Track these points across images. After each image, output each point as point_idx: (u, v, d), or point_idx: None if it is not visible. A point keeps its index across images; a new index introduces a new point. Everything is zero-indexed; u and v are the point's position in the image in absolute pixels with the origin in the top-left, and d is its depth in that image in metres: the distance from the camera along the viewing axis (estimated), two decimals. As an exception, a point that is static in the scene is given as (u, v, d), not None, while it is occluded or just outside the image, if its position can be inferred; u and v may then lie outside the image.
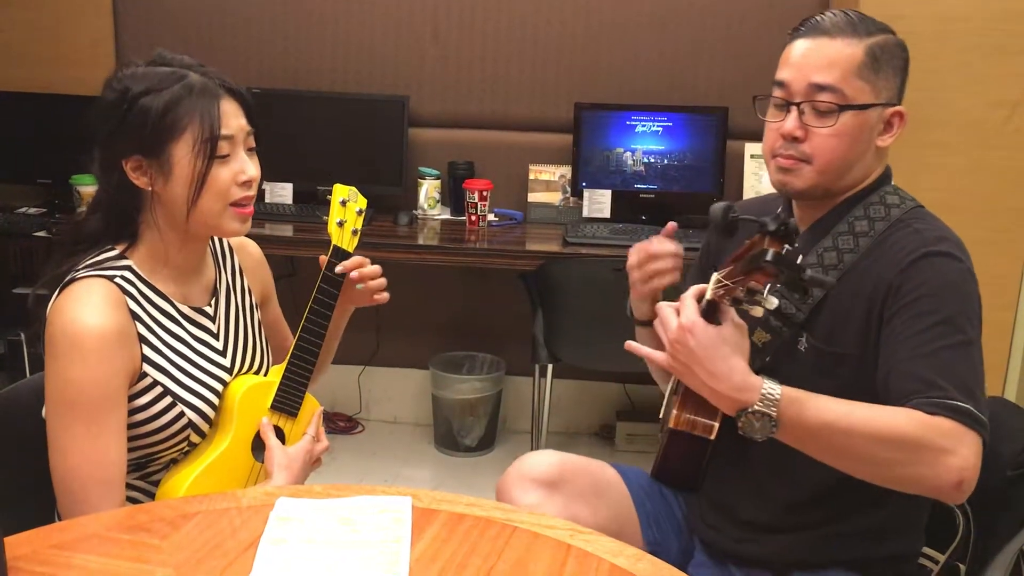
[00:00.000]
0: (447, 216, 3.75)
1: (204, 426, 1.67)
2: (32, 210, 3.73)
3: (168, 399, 1.62)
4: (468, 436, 3.82)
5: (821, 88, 1.57)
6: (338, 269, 1.79)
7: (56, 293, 1.57)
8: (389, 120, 3.74)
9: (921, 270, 1.53)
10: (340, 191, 1.83)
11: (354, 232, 1.82)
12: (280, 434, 1.76)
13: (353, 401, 4.10)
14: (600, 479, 1.84)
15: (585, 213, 3.67)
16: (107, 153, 1.61)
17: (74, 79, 3.76)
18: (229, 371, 1.73)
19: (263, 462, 1.72)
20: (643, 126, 3.66)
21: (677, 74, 3.74)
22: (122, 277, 1.60)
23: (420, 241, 3.45)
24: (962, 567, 1.69)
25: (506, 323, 3.91)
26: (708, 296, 1.47)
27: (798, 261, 1.34)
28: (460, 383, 3.80)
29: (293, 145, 3.74)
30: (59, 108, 3.68)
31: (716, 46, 3.70)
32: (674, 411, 1.59)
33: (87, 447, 1.51)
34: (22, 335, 3.61)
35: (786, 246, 1.36)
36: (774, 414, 1.44)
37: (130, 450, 1.60)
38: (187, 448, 1.68)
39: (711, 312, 1.47)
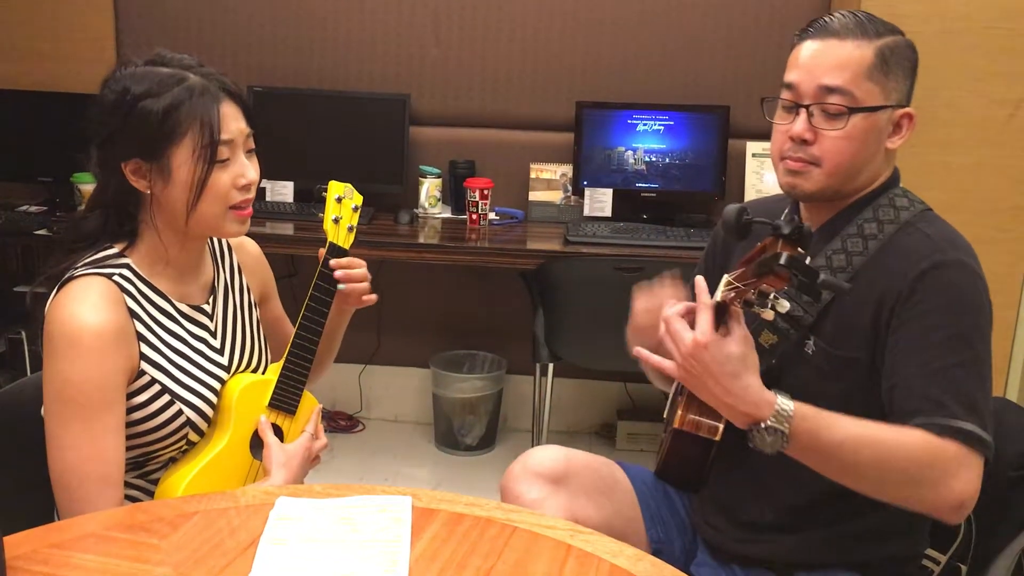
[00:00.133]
0: (448, 215, 3.74)
1: (202, 424, 1.67)
2: (33, 208, 3.73)
3: (166, 397, 1.62)
4: (469, 435, 3.82)
5: (831, 90, 1.56)
6: (331, 263, 1.78)
7: (55, 291, 1.57)
8: (390, 118, 3.73)
9: (932, 282, 1.52)
10: (335, 188, 1.82)
11: (350, 229, 1.81)
12: (279, 432, 1.76)
13: (354, 400, 4.10)
14: (605, 476, 1.84)
15: (586, 212, 3.67)
16: (106, 155, 1.61)
17: (75, 77, 3.75)
18: (227, 369, 1.73)
19: (262, 460, 1.72)
20: (644, 125, 3.66)
21: (678, 73, 3.73)
22: (120, 275, 1.59)
23: (421, 240, 3.44)
24: (963, 568, 1.68)
25: (507, 322, 3.91)
26: (718, 298, 1.46)
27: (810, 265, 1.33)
28: (461, 382, 3.80)
29: (294, 143, 3.74)
30: (60, 106, 3.67)
31: (718, 45, 3.70)
32: (679, 412, 1.58)
33: (85, 445, 1.51)
34: (23, 333, 3.61)
35: (799, 249, 1.35)
36: (786, 430, 1.44)
37: (128, 449, 1.59)
38: (185, 447, 1.67)
39: (720, 314, 1.46)
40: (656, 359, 1.53)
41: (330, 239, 1.79)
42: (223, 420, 1.69)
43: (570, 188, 3.73)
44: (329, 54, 3.83)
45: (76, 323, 1.51)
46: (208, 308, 1.73)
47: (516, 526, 1.41)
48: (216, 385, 1.69)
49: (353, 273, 1.81)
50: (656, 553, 1.77)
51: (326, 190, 1.82)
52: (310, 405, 1.82)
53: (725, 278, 1.47)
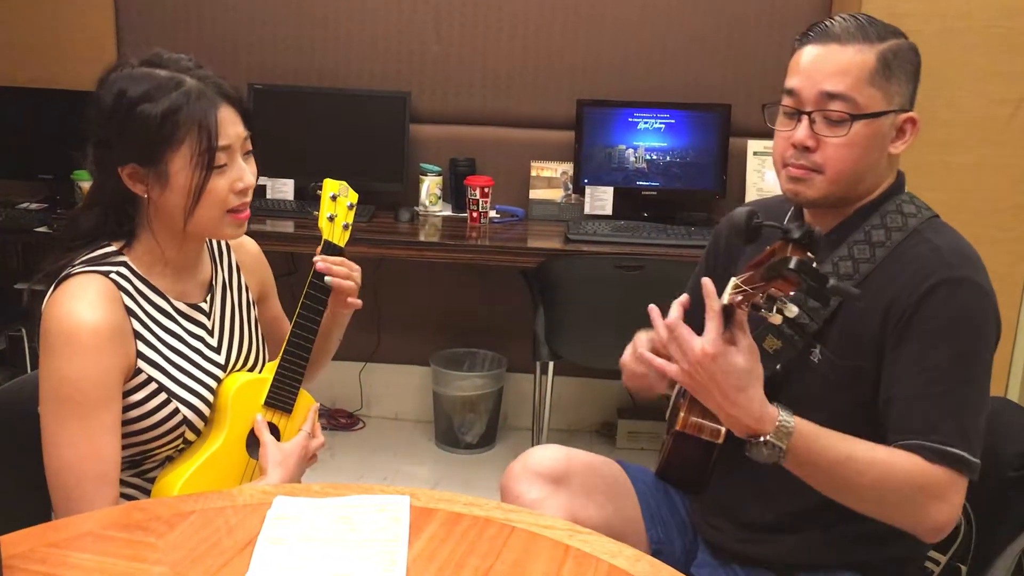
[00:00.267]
0: (448, 213, 3.74)
1: (199, 423, 1.67)
2: (33, 205, 3.73)
3: (163, 396, 1.61)
4: (469, 433, 3.82)
5: (832, 97, 1.54)
6: (316, 260, 1.77)
7: (51, 289, 1.57)
8: (390, 116, 3.73)
9: (938, 300, 1.51)
10: (330, 186, 1.81)
11: (345, 227, 1.81)
12: (275, 431, 1.75)
13: (354, 397, 4.09)
14: (606, 475, 1.83)
15: (587, 210, 3.66)
16: (103, 157, 1.60)
17: (75, 74, 3.75)
18: (223, 368, 1.73)
19: (258, 459, 1.72)
20: (645, 123, 3.65)
21: (680, 71, 3.72)
22: (117, 273, 1.59)
23: (421, 238, 3.44)
24: (963, 568, 1.68)
25: (507, 320, 3.90)
26: (725, 301, 1.45)
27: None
28: (461, 380, 3.79)
29: (294, 141, 3.73)
30: (60, 103, 3.66)
31: (719, 43, 3.69)
32: (681, 414, 1.57)
33: (81, 443, 1.51)
34: (23, 330, 3.61)
35: (809, 254, 1.35)
36: (784, 447, 1.46)
37: (125, 447, 1.59)
38: (182, 445, 1.67)
39: (726, 317, 1.46)
40: (659, 362, 1.53)
41: (325, 237, 1.79)
42: (219, 419, 1.68)
43: (571, 186, 3.72)
44: (330, 52, 3.82)
45: (73, 321, 1.51)
46: (206, 306, 1.73)
47: (515, 526, 1.41)
48: (213, 384, 1.69)
49: (335, 269, 1.78)
50: (656, 553, 1.76)
51: (321, 188, 1.82)
52: (307, 404, 1.81)
53: (732, 281, 1.45)
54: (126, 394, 1.58)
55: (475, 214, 3.57)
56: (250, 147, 1.65)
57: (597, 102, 3.67)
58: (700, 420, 1.55)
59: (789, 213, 1.74)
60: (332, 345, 1.94)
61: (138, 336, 1.59)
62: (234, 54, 3.81)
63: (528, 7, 3.72)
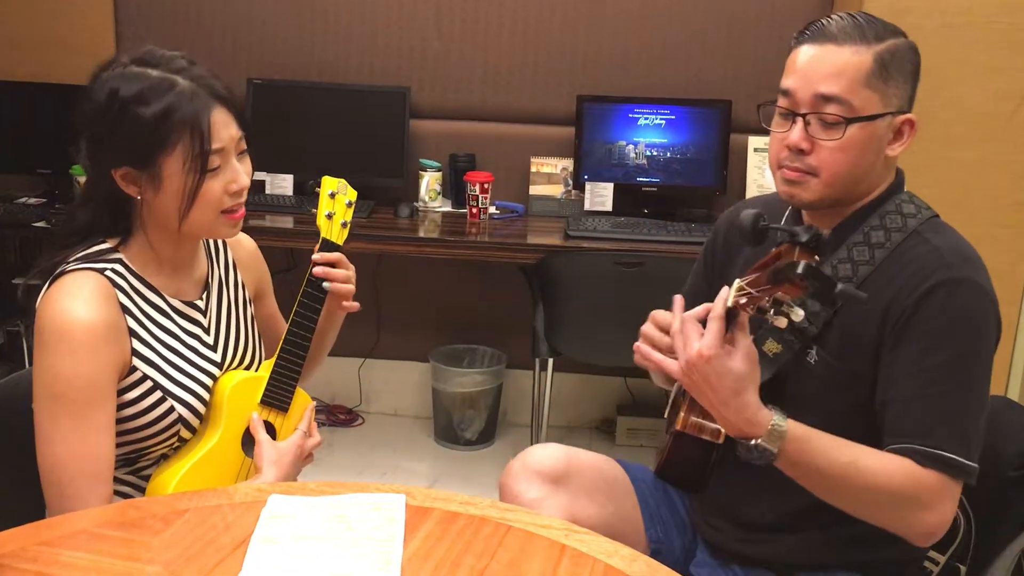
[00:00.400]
0: (448, 208, 3.73)
1: (194, 421, 1.66)
2: (32, 200, 3.72)
3: (158, 394, 1.60)
4: (468, 429, 3.81)
5: (827, 99, 1.52)
6: (314, 258, 1.76)
7: (46, 285, 1.56)
8: (390, 111, 3.71)
9: (937, 301, 1.49)
10: (329, 183, 1.80)
11: (343, 224, 1.80)
12: (271, 429, 1.75)
13: (353, 393, 4.09)
14: (606, 475, 1.82)
15: (587, 206, 3.65)
16: (96, 157, 1.58)
17: (74, 68, 3.70)
18: (219, 366, 1.72)
19: (253, 457, 1.71)
20: (646, 119, 3.64)
21: (680, 67, 3.71)
22: (113, 270, 1.58)
23: (421, 234, 3.43)
24: (962, 568, 1.67)
25: (507, 316, 3.89)
26: (729, 303, 1.44)
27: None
28: (460, 376, 3.79)
29: (293, 136, 3.72)
30: (59, 97, 3.64)
31: (720, 39, 3.68)
32: (681, 414, 1.57)
33: (75, 441, 1.50)
34: (22, 326, 3.61)
35: (816, 257, 1.33)
36: (775, 451, 1.46)
37: (120, 445, 1.58)
38: (177, 443, 1.66)
39: (729, 320, 1.45)
40: (658, 357, 1.52)
41: (324, 235, 1.78)
42: (215, 417, 1.68)
43: (571, 182, 3.71)
44: (329, 47, 3.81)
45: (67, 318, 1.50)
46: (201, 304, 1.72)
47: (511, 525, 1.40)
48: (208, 382, 1.68)
49: (333, 272, 1.78)
50: (655, 553, 1.76)
51: (319, 185, 1.81)
52: (303, 402, 1.80)
53: (737, 283, 1.44)
54: (121, 392, 1.57)
55: (475, 210, 3.56)
56: (244, 147, 1.63)
57: (597, 98, 3.66)
58: (700, 420, 1.55)
59: (787, 212, 1.72)
60: (327, 344, 1.93)
61: (133, 334, 1.58)
62: (233, 49, 3.80)
63: (528, 2, 3.70)
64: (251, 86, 3.69)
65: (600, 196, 3.65)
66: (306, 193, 3.68)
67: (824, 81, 1.52)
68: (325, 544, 1.33)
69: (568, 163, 3.70)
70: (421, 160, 3.71)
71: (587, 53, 3.73)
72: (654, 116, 3.63)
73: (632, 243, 3.29)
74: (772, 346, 1.60)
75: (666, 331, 1.56)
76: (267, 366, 1.76)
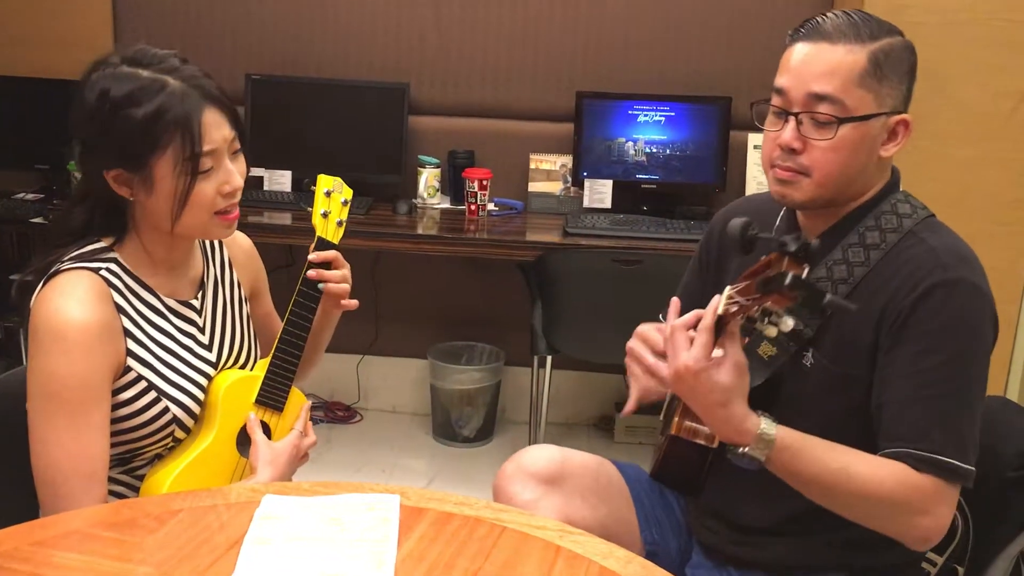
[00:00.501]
0: (447, 205, 3.72)
1: (189, 421, 1.65)
2: (29, 196, 3.71)
3: (152, 394, 1.60)
4: (466, 427, 3.80)
5: (820, 98, 1.50)
6: (310, 257, 1.75)
7: (40, 284, 1.55)
8: (389, 108, 3.70)
9: (933, 302, 1.48)
10: (324, 181, 1.79)
11: (339, 223, 1.79)
12: (266, 429, 1.74)
13: (351, 390, 4.08)
14: (600, 476, 1.81)
15: (586, 203, 3.64)
16: (88, 158, 1.57)
17: (72, 63, 3.67)
18: (214, 365, 1.71)
19: (248, 457, 1.70)
20: (645, 116, 3.63)
21: (680, 63, 3.70)
22: (107, 269, 1.57)
23: (419, 230, 3.42)
24: (960, 569, 1.66)
25: (506, 313, 3.88)
26: (719, 311, 1.43)
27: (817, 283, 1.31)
28: (459, 373, 3.78)
29: (292, 132, 3.71)
30: (57, 92, 3.64)
31: (720, 35, 3.66)
32: (675, 418, 1.56)
33: (69, 441, 1.49)
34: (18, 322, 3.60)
35: (805, 267, 1.33)
36: (763, 458, 1.46)
37: (114, 445, 1.58)
38: (172, 443, 1.65)
39: (719, 329, 1.44)
40: (651, 360, 1.51)
41: (319, 234, 1.77)
42: (209, 417, 1.67)
43: (570, 179, 3.70)
44: (328, 42, 3.80)
45: (62, 318, 1.49)
46: (197, 304, 1.71)
47: (505, 526, 1.39)
48: (203, 382, 1.67)
49: (328, 274, 1.77)
50: (650, 555, 1.75)
51: (315, 184, 1.80)
52: (298, 402, 1.79)
53: (727, 290, 1.43)
54: (115, 392, 1.56)
55: (473, 207, 3.55)
56: (238, 147, 1.61)
57: (597, 94, 3.65)
58: (694, 424, 1.54)
59: (781, 213, 1.71)
60: (323, 342, 1.92)
61: (128, 334, 1.58)
62: (232, 44, 3.79)
63: (528, -2, 3.70)
64: (249, 81, 3.67)
65: (599, 193, 3.64)
66: (304, 189, 3.67)
67: (817, 80, 1.50)
68: (319, 545, 1.33)
69: (567, 160, 3.69)
70: (420, 156, 3.70)
71: (587, 49, 3.72)
72: (654, 113, 3.62)
73: (631, 240, 3.28)
74: (767, 348, 1.59)
75: (653, 347, 1.57)
76: (262, 365, 1.75)
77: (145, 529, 1.36)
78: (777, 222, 1.71)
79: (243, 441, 1.71)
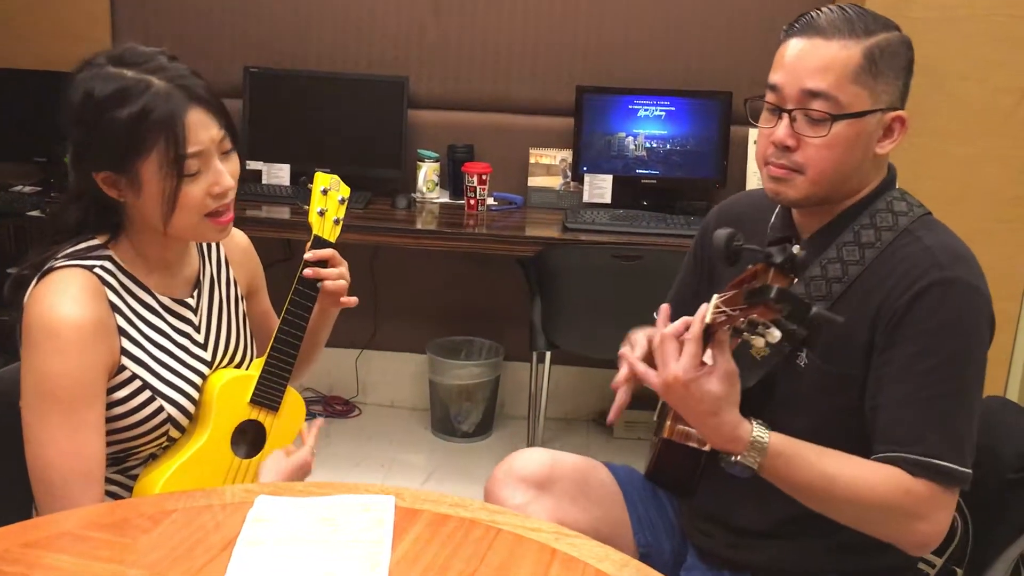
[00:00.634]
0: (446, 199, 3.70)
1: (183, 421, 1.64)
2: (27, 188, 3.69)
3: (147, 393, 1.58)
4: (465, 422, 3.79)
5: (814, 95, 1.48)
6: (306, 256, 1.74)
7: (34, 282, 1.54)
8: (388, 101, 3.69)
9: (928, 302, 1.46)
10: (321, 179, 1.77)
11: (336, 222, 1.77)
12: (261, 429, 1.73)
13: (350, 384, 4.07)
14: (592, 479, 1.80)
15: (586, 198, 3.63)
16: (78, 161, 1.56)
17: (71, 56, 3.63)
18: (210, 364, 1.70)
19: (242, 457, 1.69)
20: (645, 110, 3.61)
21: (681, 57, 3.68)
22: (102, 267, 1.56)
23: (418, 225, 3.41)
24: (959, 571, 1.65)
25: (505, 308, 3.87)
26: (707, 319, 1.41)
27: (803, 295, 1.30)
28: (458, 368, 3.77)
29: (290, 126, 3.70)
30: (56, 85, 3.60)
31: (720, 29, 3.64)
32: (667, 422, 1.55)
33: (65, 440, 1.48)
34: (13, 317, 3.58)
35: (792, 278, 1.31)
36: (756, 466, 1.45)
37: (108, 444, 1.56)
38: (166, 443, 1.64)
39: (708, 337, 1.43)
40: (641, 368, 1.50)
41: (315, 232, 1.75)
42: (204, 416, 1.66)
43: (569, 174, 3.68)
44: (327, 35, 3.78)
45: (56, 316, 1.48)
46: (192, 302, 1.69)
47: (501, 528, 1.38)
48: (198, 381, 1.66)
49: (325, 272, 1.75)
50: (644, 557, 1.74)
51: (312, 182, 1.78)
52: (294, 401, 1.78)
53: (715, 299, 1.42)
54: (109, 391, 1.55)
55: (472, 201, 3.53)
56: (229, 146, 1.58)
57: (597, 89, 3.63)
58: (687, 428, 1.53)
59: (776, 210, 1.69)
60: (320, 341, 1.91)
61: (122, 332, 1.56)
62: (230, 36, 3.77)
63: (528, -9, 3.68)
64: (247, 74, 3.66)
65: (599, 188, 3.62)
66: (302, 185, 3.66)
67: (810, 76, 1.48)
68: (312, 546, 1.32)
69: (567, 154, 3.68)
70: (419, 150, 3.68)
71: (587, 43, 3.70)
72: (654, 107, 3.61)
73: (630, 236, 3.27)
74: (760, 349, 1.58)
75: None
76: (258, 365, 1.74)
77: (138, 530, 1.35)
78: (772, 219, 1.69)
79: (237, 441, 1.70)
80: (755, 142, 3.54)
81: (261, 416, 1.73)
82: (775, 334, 1.33)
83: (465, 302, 3.97)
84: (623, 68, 3.69)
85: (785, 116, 1.51)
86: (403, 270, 3.90)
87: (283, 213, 3.42)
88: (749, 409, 1.48)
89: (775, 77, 1.54)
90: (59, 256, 1.55)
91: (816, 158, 1.50)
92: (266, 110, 3.68)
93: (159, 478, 1.59)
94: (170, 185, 1.51)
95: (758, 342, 1.35)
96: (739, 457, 1.44)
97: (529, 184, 3.71)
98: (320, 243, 1.75)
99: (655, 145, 3.62)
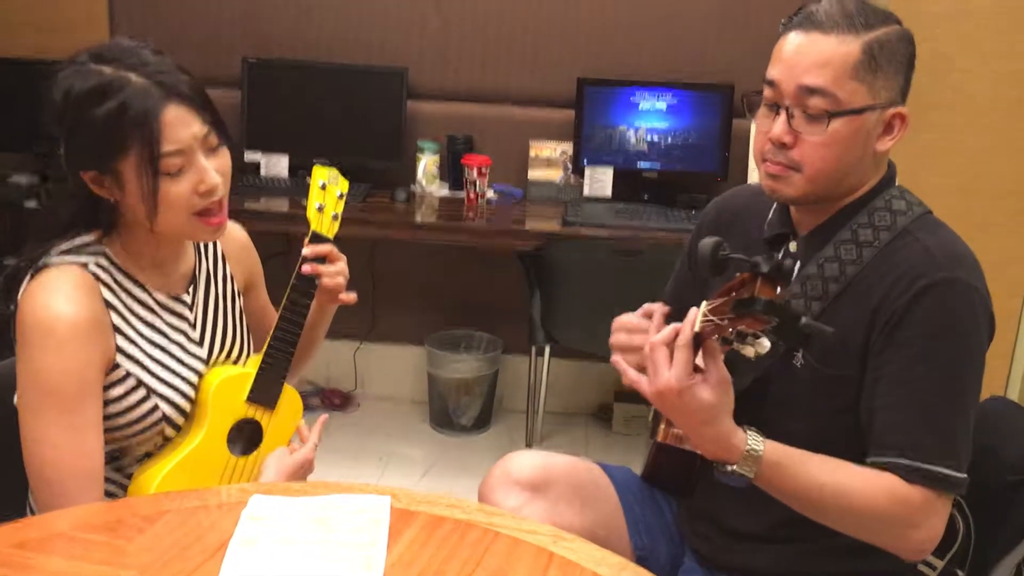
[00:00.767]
0: (445, 192, 3.68)
1: (179, 419, 1.62)
2: (24, 180, 3.67)
3: (142, 391, 1.57)
4: (464, 415, 3.78)
5: (811, 91, 1.45)
6: (304, 252, 1.72)
7: (28, 279, 1.52)
8: (388, 92, 3.67)
9: (926, 304, 1.44)
10: (320, 173, 1.75)
11: (334, 217, 1.75)
12: (257, 427, 1.71)
13: (348, 377, 4.06)
14: (587, 482, 1.77)
15: (586, 192, 3.61)
16: (66, 160, 1.53)
17: (69, 46, 3.62)
18: (206, 361, 1.68)
19: (238, 455, 1.68)
20: (647, 103, 3.59)
21: (682, 50, 3.65)
22: (96, 264, 1.54)
23: (418, 218, 3.39)
24: (960, 574, 1.63)
25: (504, 301, 3.86)
26: (697, 327, 1.39)
27: (792, 305, 1.28)
28: (456, 362, 3.75)
29: (289, 117, 3.68)
30: (53, 75, 3.60)
31: (722, 21, 3.62)
32: (662, 426, 1.54)
33: (63, 439, 1.46)
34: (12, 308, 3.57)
35: (779, 287, 1.29)
36: (751, 475, 1.43)
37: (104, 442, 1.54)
38: (161, 442, 1.63)
39: (698, 344, 1.40)
40: (633, 375, 1.48)
41: (313, 228, 1.73)
42: (200, 414, 1.64)
43: (570, 167, 3.66)
44: (326, 25, 3.75)
45: (50, 313, 1.46)
46: (188, 298, 1.67)
47: (498, 531, 1.37)
48: (194, 378, 1.65)
49: (323, 268, 1.73)
50: (640, 560, 1.72)
51: (310, 176, 1.76)
52: (291, 399, 1.76)
53: (704, 306, 1.40)
54: (104, 389, 1.53)
55: (472, 194, 3.51)
56: (215, 142, 1.54)
57: (598, 81, 3.61)
58: (680, 431, 1.51)
59: (773, 207, 1.67)
60: (318, 337, 1.89)
61: (117, 330, 1.54)
62: (229, 26, 3.74)
63: (529, -18, 3.65)
64: (246, 65, 3.63)
65: (600, 181, 3.60)
66: (301, 178, 3.64)
67: (808, 72, 1.45)
68: (306, 547, 1.30)
69: (568, 147, 3.65)
70: (419, 142, 3.66)
71: (588, 35, 3.68)
72: (655, 100, 3.59)
73: (631, 230, 3.24)
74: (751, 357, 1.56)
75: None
76: (254, 361, 1.72)
77: (132, 530, 1.33)
78: (770, 215, 1.67)
79: (233, 439, 1.68)
80: (754, 135, 3.53)
81: (258, 414, 1.71)
82: (764, 344, 1.31)
83: (464, 295, 3.95)
84: (624, 60, 3.66)
85: (782, 112, 1.48)
86: (402, 262, 3.88)
87: (282, 206, 3.40)
88: (744, 410, 1.46)
89: (772, 72, 1.51)
90: (53, 252, 1.53)
91: (813, 156, 1.48)
92: (265, 101, 3.66)
93: (155, 476, 1.58)
94: (148, 184, 1.47)
95: (747, 351, 1.34)
96: (734, 467, 1.43)
97: (529, 177, 3.68)
98: (318, 239, 1.73)
99: (656, 138, 3.60)
